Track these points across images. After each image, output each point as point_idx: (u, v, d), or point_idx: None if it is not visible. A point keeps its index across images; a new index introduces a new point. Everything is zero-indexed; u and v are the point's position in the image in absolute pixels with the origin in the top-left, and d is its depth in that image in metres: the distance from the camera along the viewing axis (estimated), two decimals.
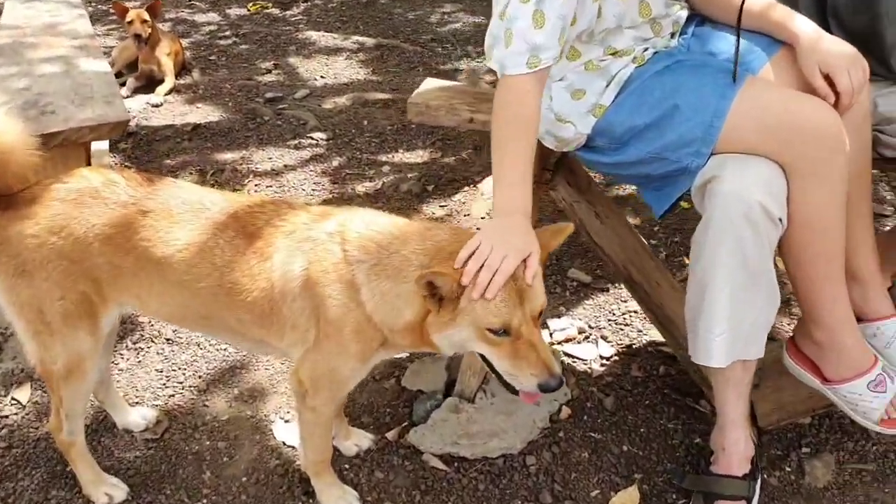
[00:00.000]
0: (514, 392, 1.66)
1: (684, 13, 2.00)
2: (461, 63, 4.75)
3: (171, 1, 5.81)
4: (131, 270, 1.84)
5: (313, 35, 5.19)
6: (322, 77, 4.63)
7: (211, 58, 4.92)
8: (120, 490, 2.12)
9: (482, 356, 1.66)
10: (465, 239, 1.64)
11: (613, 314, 2.78)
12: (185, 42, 4.91)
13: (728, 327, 1.80)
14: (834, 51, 1.77)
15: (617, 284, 2.90)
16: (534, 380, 1.60)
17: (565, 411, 2.37)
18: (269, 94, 4.35)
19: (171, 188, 1.89)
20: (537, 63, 1.71)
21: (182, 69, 4.69)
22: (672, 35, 1.97)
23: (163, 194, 1.87)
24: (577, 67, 1.91)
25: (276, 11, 5.63)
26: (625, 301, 2.82)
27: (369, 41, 5.08)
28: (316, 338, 1.80)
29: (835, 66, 1.76)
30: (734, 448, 1.97)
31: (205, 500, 2.11)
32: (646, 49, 1.91)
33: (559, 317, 2.76)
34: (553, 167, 2.18)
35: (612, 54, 1.91)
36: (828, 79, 1.77)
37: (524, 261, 1.58)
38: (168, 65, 4.49)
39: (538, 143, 1.99)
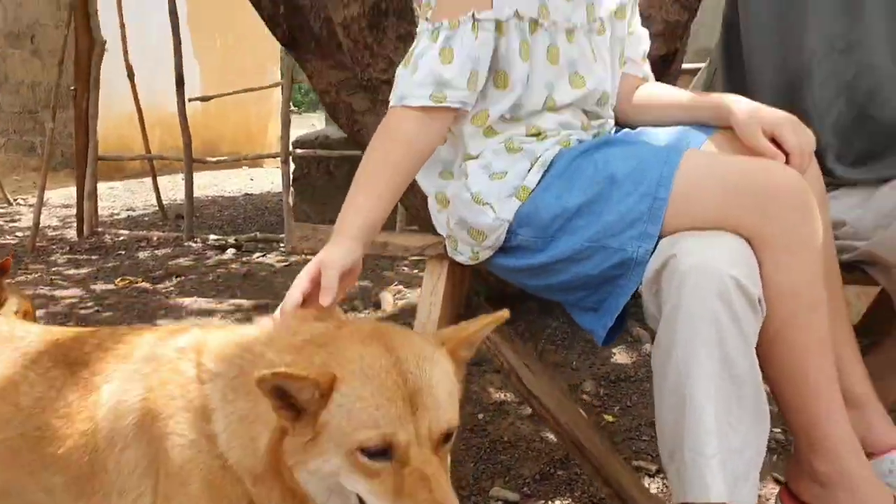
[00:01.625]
0: None
1: (612, 121, 1.82)
2: (347, 315, 4.45)
3: (30, 281, 5.40)
4: None
5: (185, 300, 4.84)
6: None
7: (68, 324, 4.44)
8: None
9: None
10: (353, 329, 1.25)
11: None
12: (39, 313, 4.44)
13: (719, 447, 1.37)
14: (775, 114, 1.62)
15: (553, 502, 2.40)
16: None
17: None
18: None
19: None
20: (442, 98, 1.51)
21: None
22: (595, 137, 1.76)
23: None
24: (496, 146, 1.65)
25: (146, 285, 5.29)
26: None
27: (247, 302, 4.76)
28: None
29: (778, 126, 1.59)
30: None
31: None
32: (571, 135, 1.69)
33: None
34: (467, 313, 1.82)
35: (535, 135, 1.67)
36: (773, 143, 1.59)
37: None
38: None
39: (451, 280, 1.68)
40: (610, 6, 1.76)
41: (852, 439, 1.50)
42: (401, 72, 1.60)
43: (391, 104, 1.59)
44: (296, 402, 1.12)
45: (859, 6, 1.83)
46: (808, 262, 1.46)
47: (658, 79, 3.24)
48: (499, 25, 1.59)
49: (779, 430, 2.53)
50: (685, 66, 3.73)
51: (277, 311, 1.37)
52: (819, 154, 1.81)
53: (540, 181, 1.62)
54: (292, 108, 6.31)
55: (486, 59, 1.58)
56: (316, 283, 1.39)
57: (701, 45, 6.65)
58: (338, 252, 1.42)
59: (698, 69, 4.94)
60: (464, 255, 1.71)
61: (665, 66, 3.16)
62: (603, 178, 1.55)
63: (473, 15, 1.55)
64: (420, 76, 1.54)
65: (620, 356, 3.54)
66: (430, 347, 1.21)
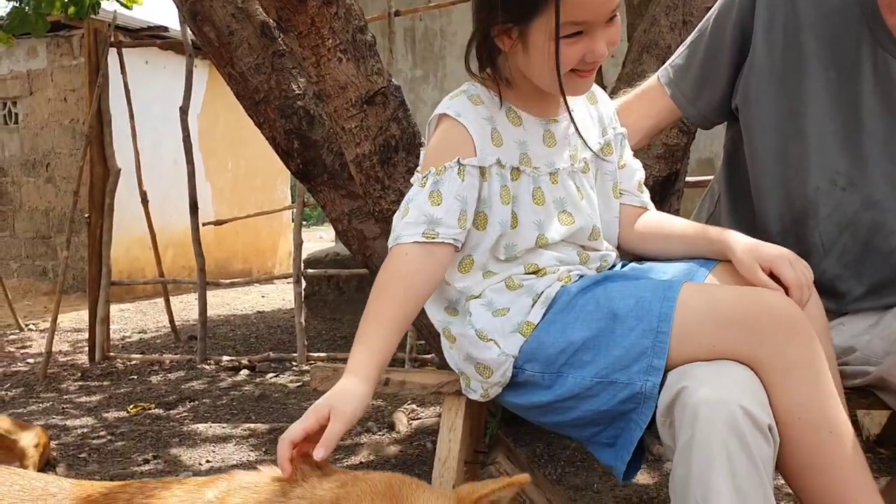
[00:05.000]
0: None
1: (613, 254, 1.88)
2: (361, 437, 4.43)
3: (41, 410, 5.40)
4: None
5: (200, 426, 4.82)
6: (208, 461, 4.19)
7: (81, 455, 4.43)
8: None
9: None
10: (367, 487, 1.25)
11: None
12: (52, 444, 4.45)
13: None
14: (773, 250, 1.70)
15: None
16: None
17: None
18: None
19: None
20: (434, 235, 1.61)
21: (46, 465, 4.16)
22: (599, 270, 1.82)
23: None
24: (497, 284, 1.72)
25: (159, 411, 5.28)
26: None
27: (262, 427, 4.74)
28: None
29: (776, 260, 1.66)
30: None
31: None
32: (571, 270, 1.75)
33: None
34: (487, 446, 1.84)
35: (534, 272, 1.74)
36: (772, 277, 1.66)
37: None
38: (34, 458, 3.99)
39: (468, 416, 1.71)
40: (593, 146, 1.85)
41: None
42: (396, 217, 1.70)
43: (389, 245, 1.66)
44: None
45: (858, 145, 1.90)
46: (804, 380, 1.49)
47: (662, 198, 3.34)
48: (482, 171, 1.68)
49: None
50: (688, 178, 3.84)
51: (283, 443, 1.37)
52: (828, 284, 1.86)
53: (543, 317, 1.68)
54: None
55: (472, 200, 1.68)
56: (321, 425, 1.39)
57: (702, 156, 6.84)
58: (351, 404, 1.42)
59: (699, 181, 5.08)
60: (476, 393, 1.75)
61: (668, 187, 3.26)
62: (605, 314, 1.61)
63: (459, 160, 1.64)
64: (411, 217, 1.64)
65: (642, 477, 3.51)
66: None
